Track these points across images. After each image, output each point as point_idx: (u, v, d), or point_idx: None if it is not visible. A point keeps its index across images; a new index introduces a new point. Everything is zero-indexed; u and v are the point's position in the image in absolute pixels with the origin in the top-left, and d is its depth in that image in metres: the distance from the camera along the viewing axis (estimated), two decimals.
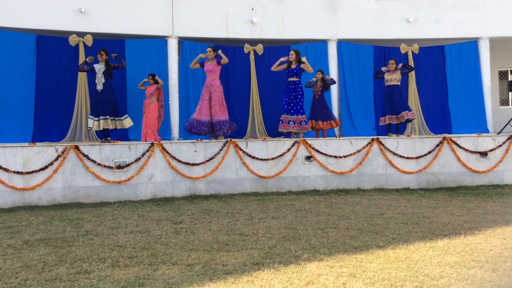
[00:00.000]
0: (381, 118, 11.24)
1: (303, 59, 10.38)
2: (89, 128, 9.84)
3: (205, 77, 10.19)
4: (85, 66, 9.69)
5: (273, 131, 11.81)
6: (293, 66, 10.44)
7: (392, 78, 10.88)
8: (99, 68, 9.58)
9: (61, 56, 10.69)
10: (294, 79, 10.46)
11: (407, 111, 10.89)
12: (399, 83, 10.95)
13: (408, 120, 11.00)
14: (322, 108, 11.04)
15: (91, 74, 9.86)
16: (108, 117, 9.53)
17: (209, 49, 10.03)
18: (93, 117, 9.55)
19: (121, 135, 10.74)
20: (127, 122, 9.83)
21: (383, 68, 11.06)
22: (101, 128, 9.49)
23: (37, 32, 10.59)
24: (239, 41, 11.97)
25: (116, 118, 9.68)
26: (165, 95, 11.19)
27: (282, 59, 10.52)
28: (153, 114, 10.44)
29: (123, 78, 11.09)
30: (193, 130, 9.94)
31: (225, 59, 9.92)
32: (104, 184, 8.91)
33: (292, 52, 10.48)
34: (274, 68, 10.65)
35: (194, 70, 11.46)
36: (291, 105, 10.47)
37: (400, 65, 11.14)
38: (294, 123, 10.46)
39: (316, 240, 5.62)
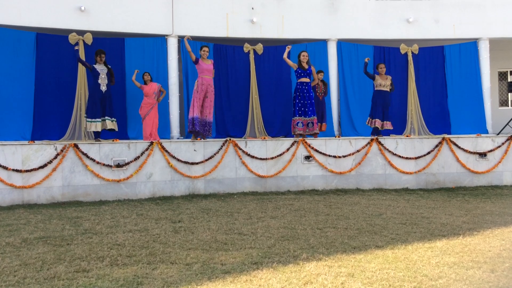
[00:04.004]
0: (371, 120, 11.17)
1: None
2: (88, 130, 9.79)
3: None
4: (81, 58, 9.62)
5: (273, 131, 11.82)
6: (306, 66, 10.43)
7: (386, 84, 10.92)
8: (101, 69, 9.56)
9: (61, 55, 10.67)
10: (307, 80, 10.45)
11: (390, 122, 11.04)
12: (389, 90, 11.00)
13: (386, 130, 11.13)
14: (323, 110, 11.19)
15: (89, 73, 9.83)
16: (112, 118, 9.57)
17: (206, 48, 10.00)
18: (98, 119, 9.47)
19: (120, 134, 10.73)
20: (115, 125, 9.80)
21: (376, 76, 11.03)
22: (108, 128, 9.48)
23: (37, 30, 10.58)
24: (239, 41, 11.96)
25: (113, 119, 9.71)
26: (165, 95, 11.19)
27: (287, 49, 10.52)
28: (157, 113, 10.51)
29: (122, 77, 11.07)
30: (198, 130, 9.82)
31: (191, 55, 10.05)
32: (103, 183, 8.91)
33: (306, 53, 10.46)
34: (285, 56, 10.49)
35: (194, 69, 11.44)
36: (307, 107, 10.43)
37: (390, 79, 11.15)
38: (313, 124, 10.47)
39: (315, 240, 5.63)
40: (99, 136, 9.58)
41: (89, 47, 10.70)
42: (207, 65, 9.95)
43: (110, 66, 9.73)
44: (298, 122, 10.47)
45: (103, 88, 9.54)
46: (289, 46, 10.64)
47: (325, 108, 11.46)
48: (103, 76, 9.54)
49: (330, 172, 10.19)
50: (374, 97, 11.11)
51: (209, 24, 11.58)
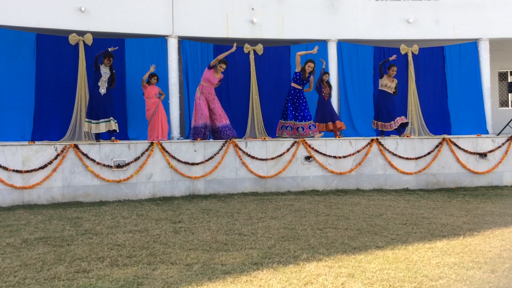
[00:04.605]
0: (375, 121, 11.21)
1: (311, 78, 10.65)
2: (86, 132, 9.81)
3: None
4: (102, 55, 9.53)
5: (272, 131, 11.81)
6: (306, 76, 10.48)
7: (391, 86, 10.94)
8: (105, 72, 9.55)
9: (61, 55, 10.67)
10: (299, 87, 10.50)
11: (402, 116, 11.04)
12: (392, 93, 11.00)
13: (403, 125, 11.05)
14: (332, 110, 11.22)
15: (91, 74, 9.84)
16: (111, 119, 9.54)
17: (224, 66, 9.95)
18: (93, 120, 9.47)
19: (121, 134, 10.72)
20: (115, 126, 9.78)
21: (385, 76, 11.02)
22: (105, 130, 9.48)
23: (37, 31, 10.59)
24: (239, 41, 11.94)
25: (113, 120, 9.69)
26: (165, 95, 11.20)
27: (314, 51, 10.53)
28: (163, 111, 10.52)
29: (122, 77, 11.08)
30: (201, 138, 9.84)
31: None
32: (103, 183, 8.91)
33: (313, 65, 10.44)
34: (300, 53, 10.49)
35: (194, 70, 11.48)
36: (299, 112, 10.47)
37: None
38: (303, 129, 10.48)
39: (315, 240, 5.63)
40: (99, 137, 9.59)
41: (89, 48, 10.70)
42: (213, 78, 9.93)
43: (114, 71, 9.73)
44: (287, 126, 10.50)
45: (102, 90, 9.54)
46: (316, 47, 10.57)
47: (332, 107, 11.41)
48: (104, 80, 9.55)
49: (330, 172, 10.19)
50: (378, 98, 11.12)
51: (209, 24, 11.58)
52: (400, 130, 11.06)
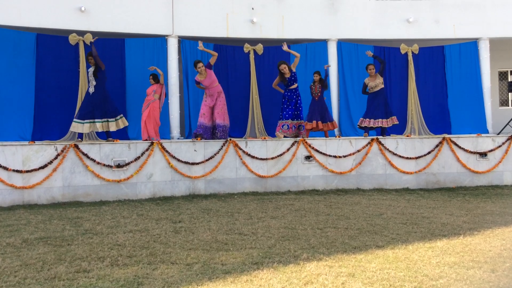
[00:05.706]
0: (363, 119, 10.99)
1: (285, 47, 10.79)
2: (72, 131, 9.79)
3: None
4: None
5: (273, 131, 11.80)
6: (288, 75, 10.51)
7: (376, 84, 10.80)
8: (90, 70, 9.58)
9: (61, 55, 10.67)
10: (295, 85, 10.56)
11: (383, 119, 10.92)
12: (383, 86, 10.89)
13: (382, 128, 11.02)
14: (323, 109, 11.08)
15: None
16: (98, 120, 9.50)
17: (199, 64, 9.97)
18: (79, 120, 9.46)
19: (121, 134, 10.72)
20: (122, 123, 9.78)
21: (366, 80, 10.99)
22: (88, 131, 9.48)
23: (37, 31, 10.59)
24: (239, 41, 11.96)
25: (109, 120, 9.65)
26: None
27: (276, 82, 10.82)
28: (157, 112, 10.45)
29: (122, 77, 11.08)
30: (201, 134, 9.95)
31: (214, 54, 10.12)
32: (104, 183, 8.91)
33: (284, 66, 10.50)
34: (274, 85, 10.80)
35: (194, 70, 11.43)
36: (297, 111, 10.56)
37: (374, 66, 10.95)
38: (303, 128, 10.56)
39: (315, 240, 5.63)
40: (81, 137, 9.55)
41: (89, 48, 10.69)
42: (203, 81, 10.00)
43: (100, 63, 9.55)
44: (283, 125, 10.56)
45: (91, 89, 9.56)
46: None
47: (325, 107, 11.18)
48: (90, 78, 9.57)
49: (331, 172, 10.19)
50: (368, 100, 11.04)
51: (209, 24, 11.58)
52: (383, 131, 11.02)
